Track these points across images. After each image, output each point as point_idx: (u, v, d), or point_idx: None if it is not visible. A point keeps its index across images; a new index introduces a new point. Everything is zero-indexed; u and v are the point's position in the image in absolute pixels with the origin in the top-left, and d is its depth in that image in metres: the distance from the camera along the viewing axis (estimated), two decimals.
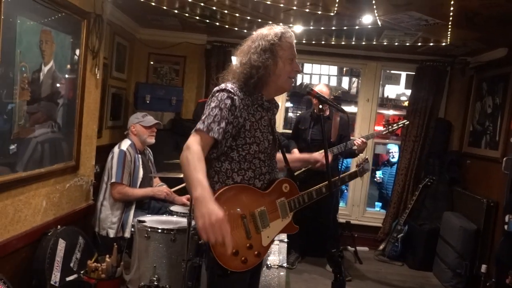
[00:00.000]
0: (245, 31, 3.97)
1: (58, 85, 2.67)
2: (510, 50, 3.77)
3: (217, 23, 3.92)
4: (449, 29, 3.30)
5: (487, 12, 2.89)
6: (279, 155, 1.92)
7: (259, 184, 1.67)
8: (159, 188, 3.20)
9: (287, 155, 1.95)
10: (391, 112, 11.55)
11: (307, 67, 13.54)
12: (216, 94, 1.60)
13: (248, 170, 1.64)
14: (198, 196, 1.36)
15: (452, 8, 2.76)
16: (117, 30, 4.13)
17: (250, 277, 1.69)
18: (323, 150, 1.87)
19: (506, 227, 3.07)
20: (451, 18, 2.98)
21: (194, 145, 1.49)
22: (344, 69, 13.71)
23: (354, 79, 13.96)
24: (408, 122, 3.77)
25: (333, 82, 14.45)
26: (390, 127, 3.57)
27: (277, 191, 1.70)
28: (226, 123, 1.54)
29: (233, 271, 1.55)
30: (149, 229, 2.45)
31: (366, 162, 1.97)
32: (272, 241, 1.67)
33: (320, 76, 14.05)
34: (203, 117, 1.57)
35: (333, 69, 13.99)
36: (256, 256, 1.60)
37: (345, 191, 5.65)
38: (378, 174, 8.18)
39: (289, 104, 11.02)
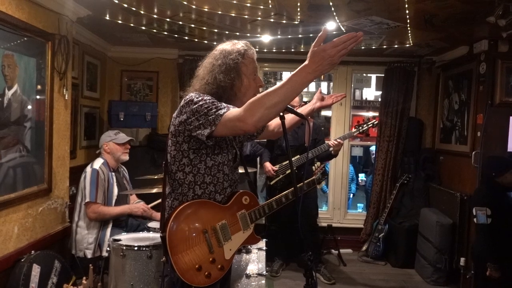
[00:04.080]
0: (215, 43, 4.00)
1: (24, 108, 2.65)
2: (470, 48, 3.92)
3: (186, 37, 3.96)
4: (409, 31, 3.42)
5: (443, 13, 3.00)
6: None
7: (220, 198, 1.68)
8: (136, 205, 3.17)
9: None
10: (370, 113, 11.75)
11: (286, 74, 13.69)
12: (199, 98, 1.54)
13: (210, 184, 1.65)
14: (307, 76, 1.33)
15: (407, 11, 2.86)
16: (87, 50, 4.12)
17: None
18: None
19: (475, 220, 3.14)
20: (408, 21, 3.09)
21: (238, 108, 1.44)
22: (322, 75, 13.89)
23: (332, 83, 14.16)
24: (377, 122, 3.85)
25: (312, 87, 14.64)
26: (360, 127, 3.65)
27: (237, 203, 1.71)
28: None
29: (198, 287, 1.55)
30: (124, 247, 2.42)
31: (323, 169, 2.01)
32: (235, 253, 1.68)
33: None
34: (212, 111, 1.48)
35: None
36: (220, 269, 1.61)
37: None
38: (361, 177, 8.26)
39: None
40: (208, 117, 1.49)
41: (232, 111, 1.47)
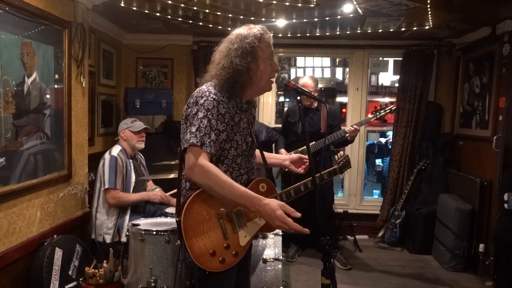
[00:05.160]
0: (229, 29, 3.96)
1: (43, 95, 2.69)
2: (493, 29, 3.78)
3: (201, 23, 3.93)
4: (429, 12, 3.31)
5: None
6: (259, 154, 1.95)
7: None
8: (154, 193, 3.22)
9: (266, 154, 1.98)
10: (386, 99, 11.55)
11: (300, 60, 13.53)
12: (202, 102, 1.56)
13: (225, 172, 1.64)
14: (253, 207, 1.54)
15: None
16: (102, 37, 4.14)
17: (237, 273, 1.71)
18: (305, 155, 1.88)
19: (506, 205, 3.04)
20: (429, 1, 2.99)
21: (202, 160, 1.51)
22: (337, 60, 13.69)
23: (347, 69, 13.92)
24: (394, 108, 3.78)
25: (327, 73, 14.45)
26: (377, 113, 3.59)
27: (254, 191, 1.66)
28: (216, 134, 1.55)
29: (212, 271, 1.56)
30: (143, 232, 2.47)
31: (347, 158, 1.97)
32: (250, 240, 1.68)
33: (313, 69, 14.04)
34: (193, 129, 1.54)
35: (326, 61, 13.98)
36: (234, 255, 1.61)
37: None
38: (378, 162, 8.19)
39: (282, 99, 11.02)
40: (189, 132, 1.55)
41: (196, 157, 1.52)
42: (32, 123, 2.57)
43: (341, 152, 4.25)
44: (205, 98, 1.57)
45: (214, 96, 1.58)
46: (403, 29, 4.00)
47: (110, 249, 2.70)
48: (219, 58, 1.67)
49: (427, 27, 3.84)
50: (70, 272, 2.71)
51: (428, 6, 3.13)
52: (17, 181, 2.42)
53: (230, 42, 1.66)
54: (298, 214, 1.55)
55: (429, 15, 3.44)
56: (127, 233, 2.58)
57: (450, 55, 4.62)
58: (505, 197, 3.03)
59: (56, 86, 2.84)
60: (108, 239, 3.02)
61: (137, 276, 2.47)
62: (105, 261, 2.68)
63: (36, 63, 2.58)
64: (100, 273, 2.58)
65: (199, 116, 1.54)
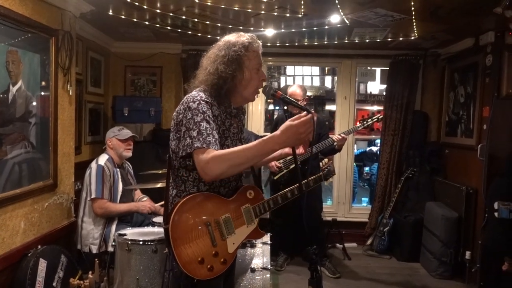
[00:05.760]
0: (218, 37, 3.98)
1: (29, 104, 2.66)
2: (476, 40, 3.87)
3: (190, 32, 3.95)
4: (414, 23, 3.38)
5: (449, 4, 2.97)
6: None
7: (224, 192, 1.68)
8: (143, 203, 3.17)
9: None
10: (375, 107, 11.69)
11: (290, 69, 13.63)
12: (195, 107, 1.56)
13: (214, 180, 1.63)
14: (277, 146, 1.51)
15: (412, 3, 2.83)
16: (90, 45, 4.12)
17: (224, 281, 1.70)
18: None
19: (496, 214, 3.07)
20: (413, 13, 3.05)
21: (211, 154, 1.48)
22: (326, 69, 13.83)
23: (336, 77, 14.04)
24: (381, 116, 3.83)
25: (316, 82, 14.58)
26: (365, 122, 3.63)
27: (241, 197, 1.69)
28: (217, 133, 1.56)
29: (200, 279, 1.55)
30: (129, 242, 2.44)
31: (331, 165, 1.98)
32: (238, 247, 1.67)
33: (303, 77, 14.16)
34: (193, 134, 1.52)
35: (316, 69, 14.12)
36: (222, 263, 1.60)
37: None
38: (366, 170, 8.24)
39: (272, 107, 11.07)
40: (189, 137, 1.53)
41: (203, 155, 1.49)
42: (17, 132, 2.53)
43: (325, 160, 4.26)
44: (197, 102, 1.57)
45: (206, 100, 1.59)
46: (389, 39, 4.08)
47: (96, 259, 2.66)
48: (206, 64, 1.68)
49: (412, 38, 3.92)
50: (54, 284, 2.66)
51: (413, 17, 3.20)
52: (1, 191, 2.37)
53: (218, 48, 1.67)
54: (308, 116, 1.50)
55: (414, 26, 3.51)
56: (114, 243, 2.55)
57: (436, 65, 4.71)
58: (495, 205, 3.05)
59: (42, 94, 2.81)
60: (94, 249, 2.98)
61: (123, 287, 2.43)
62: (90, 272, 2.63)
63: (22, 71, 2.56)
64: (85, 284, 2.54)
65: (196, 120, 1.53)
